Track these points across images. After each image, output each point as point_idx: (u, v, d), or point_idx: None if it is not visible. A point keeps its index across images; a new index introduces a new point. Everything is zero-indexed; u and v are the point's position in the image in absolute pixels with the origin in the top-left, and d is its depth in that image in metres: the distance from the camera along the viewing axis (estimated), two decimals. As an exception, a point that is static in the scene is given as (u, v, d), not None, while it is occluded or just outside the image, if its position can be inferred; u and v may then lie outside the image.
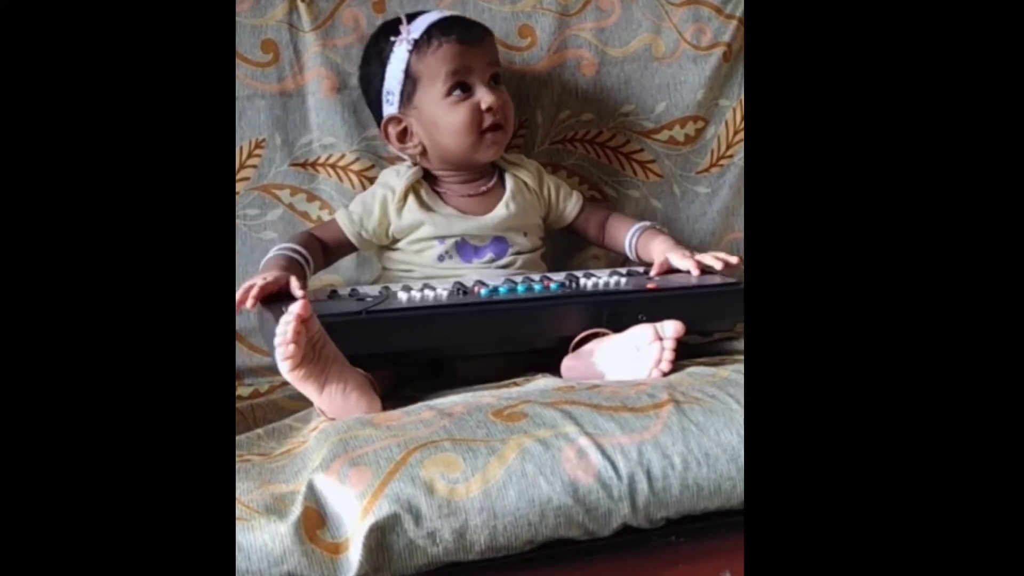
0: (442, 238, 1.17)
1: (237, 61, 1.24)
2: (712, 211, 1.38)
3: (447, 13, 1.21)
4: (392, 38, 1.17)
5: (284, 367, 0.90)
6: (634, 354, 0.99)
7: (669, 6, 1.39)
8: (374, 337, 0.97)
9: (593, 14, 1.37)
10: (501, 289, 1.04)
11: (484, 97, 1.15)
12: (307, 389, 0.93)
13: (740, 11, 1.40)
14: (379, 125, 1.22)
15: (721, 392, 0.88)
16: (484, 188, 1.22)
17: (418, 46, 1.15)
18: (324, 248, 1.16)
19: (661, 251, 1.16)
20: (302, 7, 1.28)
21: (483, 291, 1.04)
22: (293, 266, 1.09)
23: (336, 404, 0.93)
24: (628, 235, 1.24)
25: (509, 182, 1.22)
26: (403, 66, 1.16)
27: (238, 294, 0.98)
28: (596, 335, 1.04)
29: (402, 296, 1.03)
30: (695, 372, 0.97)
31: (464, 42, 1.15)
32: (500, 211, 1.19)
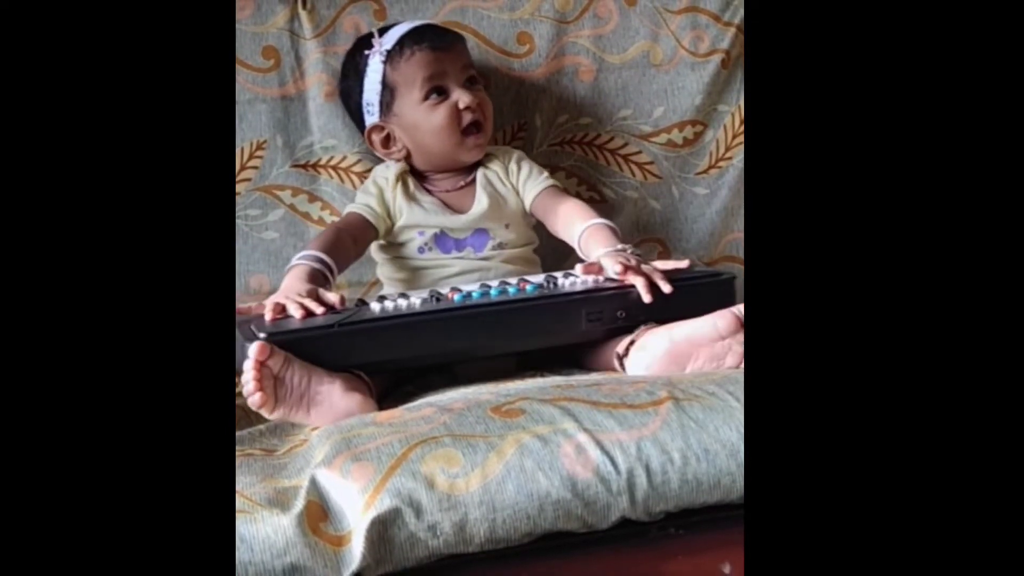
0: (421, 230, 1.21)
1: (238, 67, 1.25)
2: (711, 212, 1.39)
3: (418, 23, 1.24)
4: (366, 51, 1.22)
5: (263, 414, 0.92)
6: (721, 346, 0.97)
7: (667, 13, 1.40)
8: (349, 350, 0.96)
9: (591, 21, 1.38)
10: (475, 294, 1.03)
11: (461, 97, 1.19)
12: (295, 419, 0.94)
13: (738, 19, 1.40)
14: (362, 133, 1.26)
15: (720, 389, 0.88)
16: (462, 183, 1.25)
17: (391, 56, 1.20)
18: (353, 239, 1.19)
19: (599, 253, 1.09)
20: (303, 15, 1.29)
21: (457, 297, 1.03)
22: (317, 278, 1.09)
23: (328, 417, 0.93)
24: (579, 230, 1.16)
25: (480, 177, 1.25)
26: (379, 77, 1.21)
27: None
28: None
29: (375, 307, 1.02)
30: (694, 370, 0.98)
31: (436, 48, 1.20)
32: (475, 208, 1.23)
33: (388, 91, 1.21)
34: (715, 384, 0.90)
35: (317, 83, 1.28)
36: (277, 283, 1.21)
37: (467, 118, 1.21)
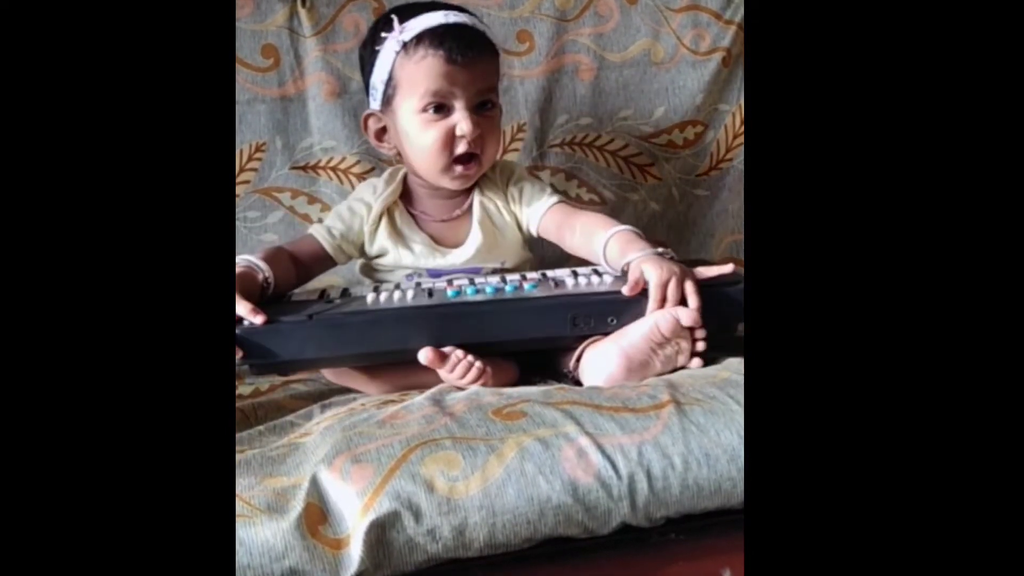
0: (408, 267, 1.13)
1: (237, 66, 1.25)
2: (711, 213, 1.39)
3: (451, 19, 1.08)
4: (384, 34, 1.08)
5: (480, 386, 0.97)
6: (671, 347, 0.97)
7: (668, 12, 1.39)
8: (323, 341, 0.97)
9: (591, 20, 1.38)
10: (469, 290, 1.01)
11: (461, 123, 1.06)
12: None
13: (739, 17, 1.40)
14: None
15: (721, 393, 0.88)
16: (457, 212, 1.15)
17: (406, 49, 1.06)
18: (296, 262, 1.09)
19: (635, 256, 1.00)
20: (303, 13, 1.29)
21: (450, 292, 1.01)
22: (244, 280, 1.00)
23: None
24: (602, 239, 1.05)
25: (476, 208, 1.14)
26: (389, 66, 1.08)
27: None
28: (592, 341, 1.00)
29: (370, 298, 1.01)
30: (696, 373, 0.97)
31: (452, 61, 1.05)
32: (468, 248, 1.13)
33: (393, 84, 1.09)
34: (716, 387, 0.90)
35: (317, 82, 1.28)
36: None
37: (461, 147, 1.08)
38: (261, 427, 0.97)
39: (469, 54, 1.06)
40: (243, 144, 1.26)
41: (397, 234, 1.12)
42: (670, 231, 1.38)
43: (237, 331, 0.95)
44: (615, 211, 1.35)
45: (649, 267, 0.97)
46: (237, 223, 1.24)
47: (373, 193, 1.14)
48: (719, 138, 1.40)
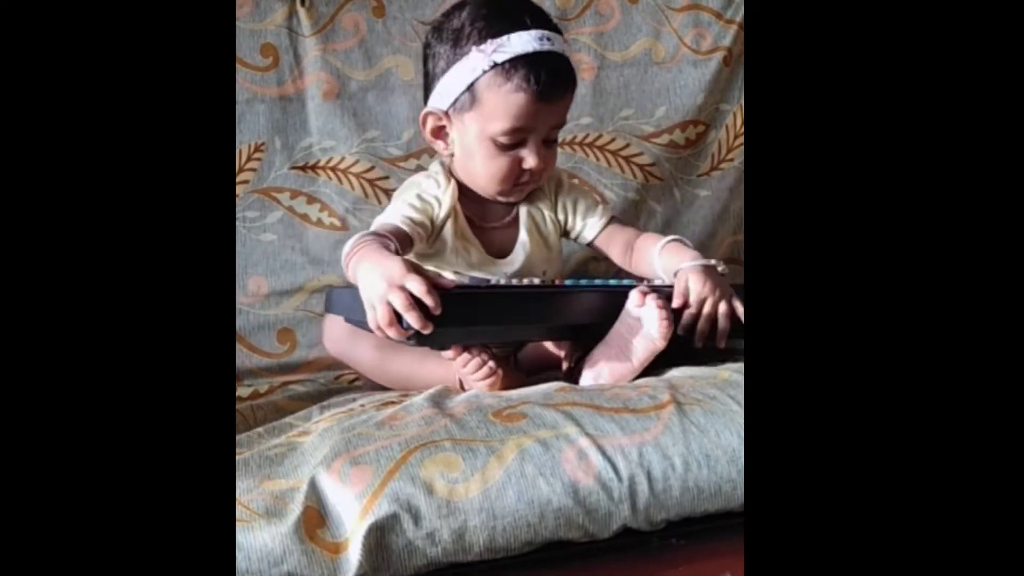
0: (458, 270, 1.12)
1: (237, 65, 1.25)
2: (712, 214, 1.39)
3: (544, 46, 1.03)
4: (474, 46, 1.03)
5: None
6: (634, 324, 0.98)
7: (669, 11, 1.39)
8: (503, 311, 0.95)
9: (592, 19, 1.37)
10: (567, 282, 1.05)
11: (529, 158, 1.06)
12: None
13: (740, 16, 1.40)
14: (425, 99, 1.11)
15: (722, 393, 0.88)
16: (507, 219, 1.15)
17: (496, 69, 1.02)
18: (400, 243, 1.01)
19: (684, 269, 1.03)
20: (302, 12, 1.29)
21: (567, 280, 1.05)
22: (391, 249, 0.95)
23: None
24: (655, 251, 1.09)
25: (524, 217, 1.14)
26: (471, 79, 1.04)
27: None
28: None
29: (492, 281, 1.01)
30: (696, 373, 0.97)
31: (543, 99, 1.03)
32: (518, 255, 1.13)
33: (471, 96, 1.04)
34: (716, 388, 0.90)
35: (316, 81, 1.28)
36: (275, 285, 1.21)
37: (524, 178, 1.09)
38: (260, 429, 0.97)
39: (557, 92, 1.05)
40: (242, 144, 1.25)
41: (461, 238, 1.10)
42: (671, 232, 1.36)
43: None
44: (616, 212, 1.34)
45: (694, 278, 1.01)
46: (236, 223, 1.23)
47: (437, 187, 1.11)
48: (720, 138, 1.39)
